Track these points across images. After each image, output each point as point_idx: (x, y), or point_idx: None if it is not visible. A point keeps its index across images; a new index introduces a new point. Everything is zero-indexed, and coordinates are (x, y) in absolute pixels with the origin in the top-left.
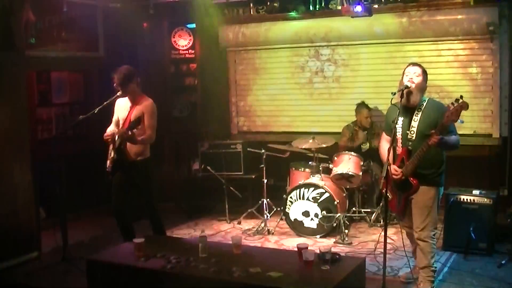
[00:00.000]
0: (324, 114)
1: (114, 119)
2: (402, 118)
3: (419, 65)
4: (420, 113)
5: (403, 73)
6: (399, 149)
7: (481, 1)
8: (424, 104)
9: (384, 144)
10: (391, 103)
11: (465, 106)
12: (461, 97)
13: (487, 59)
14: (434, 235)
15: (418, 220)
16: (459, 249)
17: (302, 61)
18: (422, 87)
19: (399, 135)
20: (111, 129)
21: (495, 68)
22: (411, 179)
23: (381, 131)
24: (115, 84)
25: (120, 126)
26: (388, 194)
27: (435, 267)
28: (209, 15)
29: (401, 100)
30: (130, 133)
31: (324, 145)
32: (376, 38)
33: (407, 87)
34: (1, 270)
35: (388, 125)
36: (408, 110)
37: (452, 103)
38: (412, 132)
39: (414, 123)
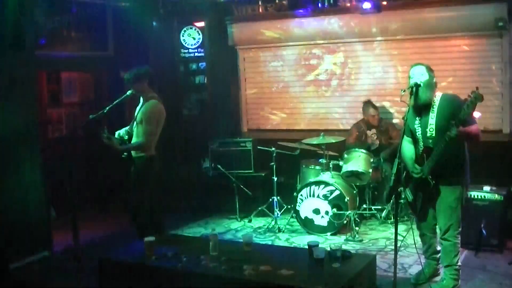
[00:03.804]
0: (334, 111)
1: None
2: (418, 118)
3: (422, 64)
4: (436, 109)
5: (409, 77)
6: (419, 148)
7: None
8: (438, 99)
9: (404, 144)
10: (400, 100)
11: (479, 97)
12: (477, 88)
13: (496, 55)
14: (458, 234)
15: (442, 221)
16: (470, 246)
17: (311, 58)
18: (431, 84)
19: (418, 135)
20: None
21: (504, 63)
22: (430, 177)
23: (390, 127)
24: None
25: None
26: (409, 194)
27: (459, 265)
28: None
29: (411, 98)
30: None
31: (334, 142)
32: (385, 35)
33: (416, 83)
34: (13, 269)
35: (406, 126)
36: (423, 108)
37: (469, 95)
38: (431, 130)
39: (432, 120)
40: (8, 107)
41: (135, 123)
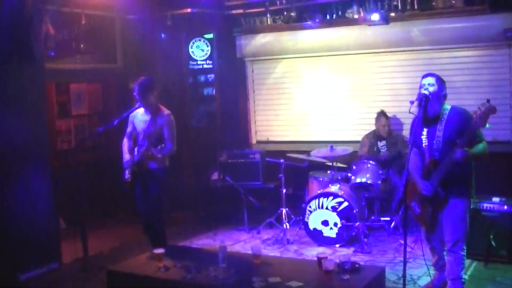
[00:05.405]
0: (343, 123)
1: (128, 131)
2: (426, 129)
3: (433, 74)
4: (444, 121)
5: (420, 86)
6: (426, 160)
7: (498, 8)
8: (447, 112)
9: (412, 157)
10: (410, 112)
11: (493, 109)
12: (488, 100)
13: (504, 66)
14: (464, 246)
15: (449, 233)
16: (479, 257)
17: (319, 70)
18: (439, 96)
19: (425, 146)
20: (125, 144)
21: None
22: (439, 190)
23: (399, 140)
24: (134, 94)
25: (140, 138)
26: (416, 207)
27: (465, 279)
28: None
29: (420, 110)
30: (150, 153)
31: (342, 154)
32: (393, 46)
33: (425, 95)
34: (22, 280)
35: (412, 136)
36: (431, 120)
37: (479, 108)
38: (438, 142)
39: (439, 133)
40: (17, 119)
41: (142, 135)
